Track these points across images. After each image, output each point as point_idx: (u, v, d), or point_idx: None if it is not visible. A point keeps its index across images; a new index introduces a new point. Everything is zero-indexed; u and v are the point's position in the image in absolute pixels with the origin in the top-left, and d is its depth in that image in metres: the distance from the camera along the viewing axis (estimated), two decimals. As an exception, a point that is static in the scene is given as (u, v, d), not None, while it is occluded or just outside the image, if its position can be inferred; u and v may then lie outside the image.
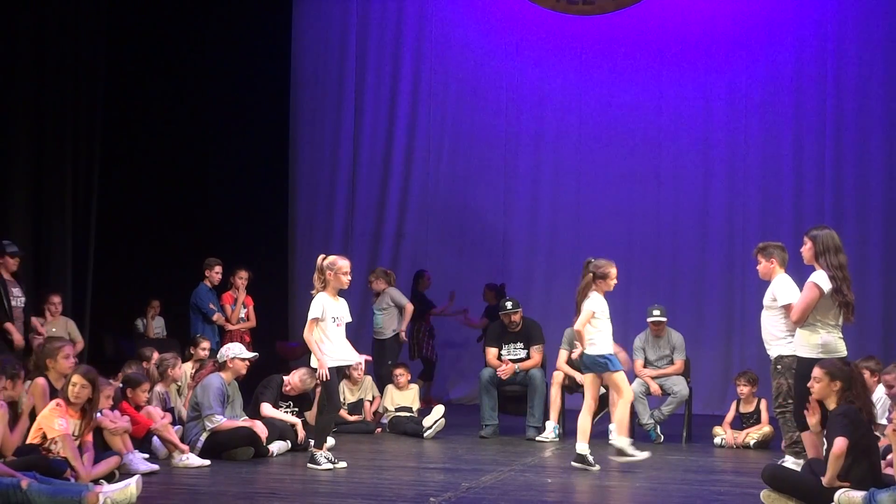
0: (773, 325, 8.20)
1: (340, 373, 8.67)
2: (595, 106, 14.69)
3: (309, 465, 8.13)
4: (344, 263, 8.23)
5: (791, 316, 7.58)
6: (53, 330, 10.70)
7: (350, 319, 8.44)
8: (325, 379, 8.08)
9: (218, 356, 9.09)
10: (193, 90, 14.69)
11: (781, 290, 8.14)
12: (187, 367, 10.13)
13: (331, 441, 8.86)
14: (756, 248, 8.51)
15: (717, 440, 10.34)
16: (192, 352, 10.53)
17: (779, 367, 8.08)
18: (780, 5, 14.34)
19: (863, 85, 13.93)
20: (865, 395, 6.76)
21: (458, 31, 15.12)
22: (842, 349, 7.42)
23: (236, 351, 9.04)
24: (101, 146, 13.29)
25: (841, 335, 7.47)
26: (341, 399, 10.72)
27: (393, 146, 15.19)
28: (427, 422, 10.45)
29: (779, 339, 8.14)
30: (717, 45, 14.41)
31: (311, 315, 8.12)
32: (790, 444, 8.07)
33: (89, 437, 7.26)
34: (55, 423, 6.96)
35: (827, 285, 7.34)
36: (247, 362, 9.09)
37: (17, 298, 10.22)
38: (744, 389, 10.45)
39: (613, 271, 8.42)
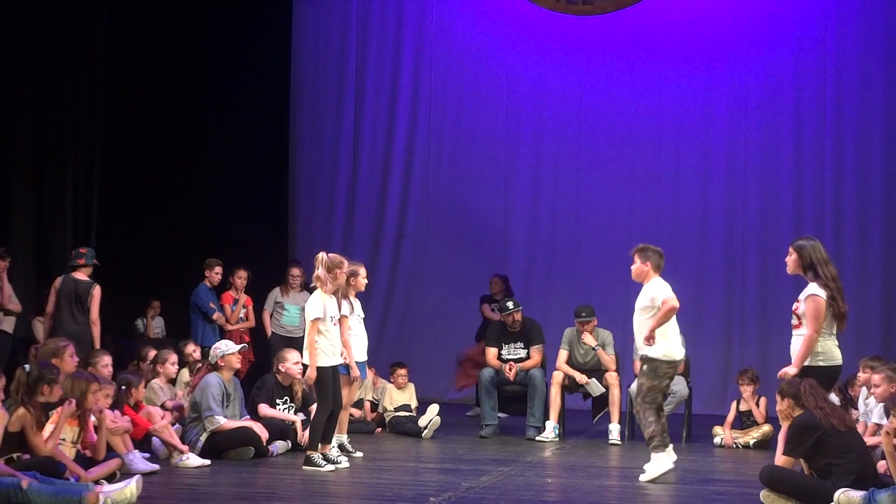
0: (646, 328, 8.00)
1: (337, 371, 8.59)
2: (595, 106, 14.68)
3: (304, 467, 8.09)
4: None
5: (807, 330, 7.44)
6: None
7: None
8: (311, 381, 8.18)
9: (210, 358, 9.08)
10: (193, 90, 14.67)
11: (659, 291, 8.02)
12: (184, 373, 10.12)
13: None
14: (634, 249, 8.26)
15: (716, 440, 10.34)
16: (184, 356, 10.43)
17: (645, 367, 8.03)
18: (780, 5, 14.34)
19: (863, 85, 13.93)
20: (820, 401, 6.79)
21: (458, 32, 15.11)
22: (839, 357, 7.43)
23: (224, 348, 9.04)
24: (102, 147, 13.29)
25: (837, 343, 7.48)
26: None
27: (393, 146, 15.18)
28: (422, 422, 10.46)
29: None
30: (717, 45, 14.41)
31: (313, 315, 8.13)
32: (649, 440, 7.96)
33: (92, 437, 7.26)
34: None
35: (824, 295, 7.35)
36: (238, 355, 9.09)
37: None
38: (748, 388, 10.45)
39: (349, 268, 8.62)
